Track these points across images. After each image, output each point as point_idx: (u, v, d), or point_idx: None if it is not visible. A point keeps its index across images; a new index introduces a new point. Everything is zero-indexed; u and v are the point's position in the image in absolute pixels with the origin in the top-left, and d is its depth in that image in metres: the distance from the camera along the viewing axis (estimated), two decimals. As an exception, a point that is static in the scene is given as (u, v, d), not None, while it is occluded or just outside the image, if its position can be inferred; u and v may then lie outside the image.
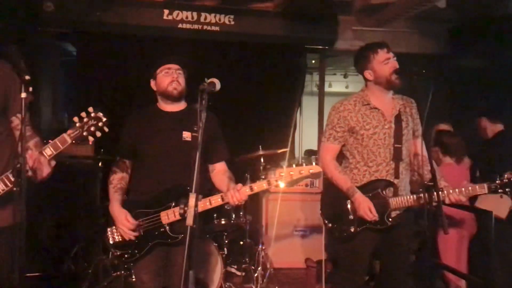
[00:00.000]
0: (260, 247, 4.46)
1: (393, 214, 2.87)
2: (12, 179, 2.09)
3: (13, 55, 1.97)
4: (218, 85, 2.22)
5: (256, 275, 4.32)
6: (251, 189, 2.49)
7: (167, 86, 2.69)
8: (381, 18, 4.66)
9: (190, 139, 2.64)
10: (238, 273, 4.43)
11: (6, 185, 2.12)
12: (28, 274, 1.97)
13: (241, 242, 4.55)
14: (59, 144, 2.12)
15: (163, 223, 2.58)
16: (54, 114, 5.31)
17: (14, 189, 1.95)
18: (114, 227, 2.68)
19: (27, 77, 1.95)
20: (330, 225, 3.00)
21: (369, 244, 2.94)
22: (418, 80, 2.74)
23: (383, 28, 4.94)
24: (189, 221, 1.91)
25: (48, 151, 2.12)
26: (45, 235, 4.63)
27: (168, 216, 2.57)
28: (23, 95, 1.95)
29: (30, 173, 2.10)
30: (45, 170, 2.13)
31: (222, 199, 2.52)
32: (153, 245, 2.61)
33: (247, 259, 4.48)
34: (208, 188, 2.83)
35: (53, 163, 2.17)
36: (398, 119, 2.92)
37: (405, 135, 2.93)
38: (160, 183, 2.62)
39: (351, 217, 2.89)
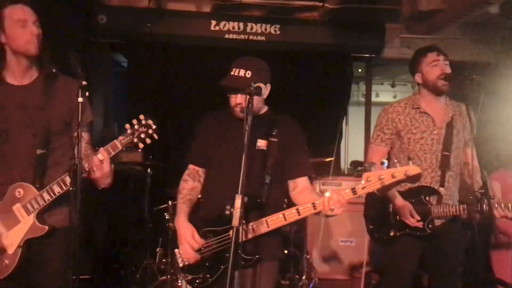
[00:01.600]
0: (304, 256, 4.42)
1: (437, 222, 2.81)
2: (68, 182, 2.18)
3: (71, 62, 2.09)
4: (264, 90, 2.24)
5: (300, 284, 4.29)
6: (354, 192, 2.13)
7: (233, 109, 2.41)
8: (431, 25, 4.56)
9: (264, 148, 2.39)
10: (283, 282, 4.41)
11: (61, 187, 2.21)
12: (80, 277, 2.04)
13: (286, 251, 4.53)
14: (110, 150, 2.18)
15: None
16: (106, 124, 5.51)
17: (71, 189, 2.04)
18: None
19: (83, 83, 2.05)
20: (371, 226, 3.01)
21: (411, 251, 2.88)
22: (468, 87, 2.68)
23: (433, 35, 4.83)
24: (235, 221, 1.92)
25: (100, 156, 2.19)
26: (95, 239, 4.79)
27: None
28: (80, 99, 2.06)
29: (85, 175, 2.17)
30: (103, 168, 2.16)
31: (314, 207, 2.18)
32: (226, 268, 2.13)
33: (291, 268, 4.45)
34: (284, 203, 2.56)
35: (112, 166, 2.20)
36: (449, 126, 2.87)
37: (455, 143, 2.86)
38: (229, 196, 2.18)
39: (392, 221, 2.86)
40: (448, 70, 2.84)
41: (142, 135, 2.17)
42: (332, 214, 2.13)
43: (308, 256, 4.48)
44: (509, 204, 2.68)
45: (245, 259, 2.23)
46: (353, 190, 2.11)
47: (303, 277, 4.31)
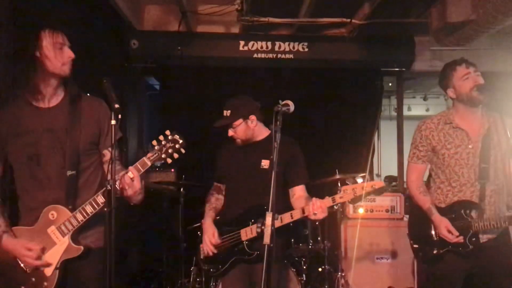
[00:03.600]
0: (339, 274, 4.36)
1: (482, 239, 2.73)
2: (100, 201, 2.22)
3: (105, 86, 2.15)
4: (292, 107, 2.27)
5: (336, 302, 4.23)
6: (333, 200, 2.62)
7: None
8: (461, 36, 4.48)
9: (267, 167, 2.92)
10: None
11: (94, 207, 2.24)
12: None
13: (320, 269, 4.48)
14: (140, 167, 2.23)
15: (242, 240, 2.87)
16: (140, 146, 5.63)
17: (105, 210, 2.09)
18: None
19: (116, 106, 2.10)
20: (415, 246, 2.96)
21: (456, 270, 2.80)
22: (502, 98, 2.63)
23: (463, 47, 4.76)
24: (266, 240, 1.93)
25: (130, 174, 2.23)
26: (130, 259, 4.86)
27: (247, 233, 2.85)
28: (113, 122, 2.11)
29: (118, 193, 2.22)
30: (134, 185, 2.22)
31: (303, 211, 2.66)
32: (234, 262, 2.90)
33: (326, 286, 4.39)
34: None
35: (142, 182, 2.27)
36: (486, 138, 2.81)
37: (494, 155, 2.80)
38: (242, 205, 2.94)
39: (435, 238, 2.81)
40: (481, 80, 2.80)
41: (170, 150, 2.22)
42: (316, 219, 2.67)
43: (343, 274, 4.41)
44: None
45: (248, 254, 2.84)
46: (333, 199, 2.61)
47: (339, 295, 4.25)
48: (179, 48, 5.19)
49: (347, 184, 2.61)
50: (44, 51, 2.23)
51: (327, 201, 2.61)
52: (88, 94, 2.44)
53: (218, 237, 2.94)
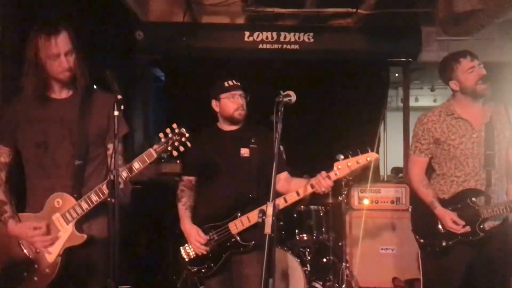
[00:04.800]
0: (344, 265, 4.38)
1: (488, 225, 2.73)
2: (105, 191, 2.23)
3: (107, 77, 2.17)
4: (293, 97, 2.26)
5: (341, 293, 4.26)
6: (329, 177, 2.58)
7: (233, 112, 2.89)
8: (468, 26, 4.43)
9: (248, 155, 2.86)
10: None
11: (99, 196, 2.27)
12: (120, 287, 2.09)
13: (324, 259, 4.50)
14: (146, 158, 2.26)
15: (233, 233, 2.74)
16: (146, 138, 5.66)
17: (109, 199, 2.09)
18: (186, 245, 2.85)
19: (119, 96, 2.11)
20: (422, 240, 2.94)
21: (463, 260, 2.81)
22: (508, 88, 2.61)
23: (471, 36, 4.72)
24: (267, 229, 1.94)
25: (136, 165, 2.26)
26: (136, 249, 4.90)
27: (236, 226, 2.73)
28: (116, 113, 2.13)
29: (122, 185, 2.28)
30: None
31: (312, 186, 2.60)
32: (228, 256, 2.77)
33: (331, 277, 4.41)
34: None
35: (130, 186, 2.42)
36: (489, 126, 2.81)
37: (498, 143, 2.80)
38: (223, 196, 2.81)
39: (443, 231, 2.80)
40: (484, 72, 2.79)
41: (176, 143, 2.25)
42: (323, 192, 2.61)
43: (348, 265, 4.43)
44: None
45: (244, 246, 2.73)
46: (328, 177, 2.56)
47: (343, 286, 4.27)
48: (184, 39, 5.19)
49: (338, 160, 2.58)
50: (41, 58, 2.24)
51: (327, 178, 2.58)
52: (99, 88, 2.47)
53: (204, 234, 2.79)
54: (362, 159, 2.53)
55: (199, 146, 2.87)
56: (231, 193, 2.78)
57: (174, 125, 2.27)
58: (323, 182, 2.56)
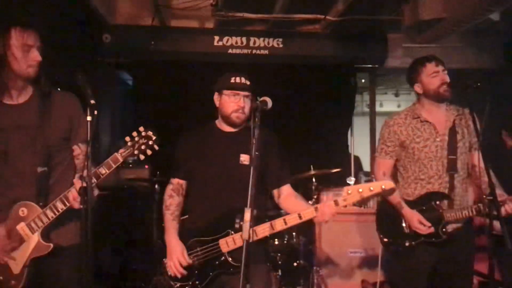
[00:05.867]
0: (314, 268, 4.41)
1: (450, 227, 2.81)
2: (70, 198, 2.18)
3: (80, 81, 2.10)
4: (269, 103, 2.26)
5: (311, 296, 4.27)
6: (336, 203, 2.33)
7: (231, 113, 2.57)
8: (432, 34, 4.58)
9: (247, 163, 2.50)
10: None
11: (64, 204, 2.20)
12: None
13: (295, 264, 4.52)
14: (111, 163, 2.20)
15: (223, 252, 2.41)
16: (113, 142, 5.55)
17: (81, 206, 2.04)
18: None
19: (92, 102, 2.06)
20: (386, 240, 2.99)
21: (426, 260, 2.87)
22: (473, 93, 2.69)
23: (435, 44, 4.86)
24: (245, 235, 1.93)
25: (102, 170, 2.20)
26: (104, 256, 4.79)
27: (228, 244, 2.40)
28: (89, 118, 2.06)
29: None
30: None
31: (300, 217, 2.36)
32: (215, 276, 2.45)
33: (301, 281, 4.43)
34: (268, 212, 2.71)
35: (96, 192, 2.27)
36: (452, 131, 2.89)
37: (461, 147, 2.89)
38: (215, 208, 2.47)
39: (407, 231, 2.86)
40: (447, 79, 2.87)
41: (143, 147, 2.20)
42: (324, 221, 2.37)
43: (317, 268, 4.45)
44: None
45: (234, 266, 2.38)
46: (335, 202, 2.31)
47: (314, 289, 4.29)
48: (152, 42, 5.14)
49: (348, 184, 2.40)
50: (11, 50, 2.18)
51: (332, 205, 2.32)
52: (59, 89, 2.39)
53: (188, 256, 2.47)
54: (376, 187, 2.27)
55: (194, 145, 2.60)
56: (225, 206, 2.41)
57: (141, 128, 2.21)
58: (327, 210, 2.32)
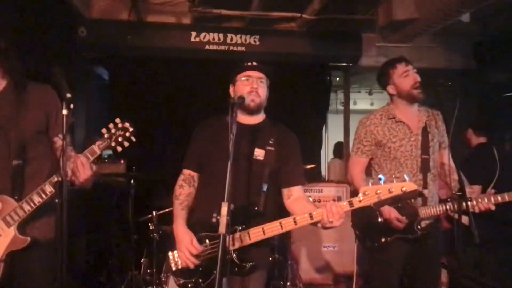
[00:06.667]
0: (289, 262, 4.47)
1: (423, 223, 2.90)
2: (47, 191, 2.17)
3: (56, 74, 2.08)
4: (247, 100, 2.29)
5: (285, 290, 4.33)
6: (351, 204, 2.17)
7: (246, 95, 2.43)
8: (405, 34, 4.68)
9: (262, 158, 2.41)
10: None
11: (41, 197, 2.18)
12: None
13: (270, 258, 4.56)
14: (89, 155, 2.20)
15: (229, 250, 2.27)
16: (88, 137, 5.49)
17: (57, 201, 2.01)
18: (176, 251, 2.43)
19: (68, 95, 2.03)
20: (361, 235, 3.07)
21: (401, 255, 2.96)
22: (444, 93, 2.77)
23: (407, 43, 4.98)
24: (222, 229, 1.96)
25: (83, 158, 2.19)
26: (79, 251, 4.76)
27: (234, 241, 2.28)
28: (64, 111, 2.04)
29: (70, 173, 2.17)
30: (86, 172, 2.18)
31: (311, 217, 2.22)
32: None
33: (276, 275, 4.48)
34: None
35: (94, 167, 2.23)
36: (424, 131, 2.99)
37: (432, 147, 2.99)
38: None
39: (382, 227, 2.93)
40: (418, 78, 2.95)
41: (120, 139, 2.20)
42: (331, 226, 2.18)
43: (292, 263, 4.52)
44: (492, 198, 2.79)
45: (239, 266, 2.28)
46: (350, 203, 2.16)
47: (288, 284, 4.35)
48: (128, 37, 5.10)
49: (368, 185, 2.17)
50: None
51: (344, 206, 2.17)
52: (34, 82, 2.37)
53: (198, 244, 2.34)
54: (396, 188, 2.13)
55: (209, 137, 2.48)
56: (234, 202, 2.17)
57: (117, 120, 2.21)
58: (335, 210, 2.14)
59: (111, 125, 2.20)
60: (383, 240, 2.93)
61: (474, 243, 2.49)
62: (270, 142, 2.41)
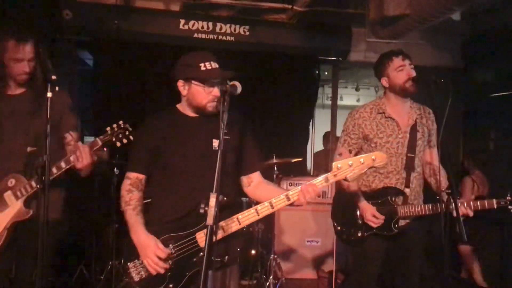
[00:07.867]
0: (272, 256, 4.45)
1: (402, 222, 2.90)
2: (53, 172, 2.42)
3: (41, 55, 2.29)
4: (239, 89, 2.19)
5: (268, 284, 4.31)
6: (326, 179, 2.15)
7: (206, 104, 2.30)
8: (396, 30, 4.67)
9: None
10: (250, 282, 4.42)
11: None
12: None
13: (253, 251, 4.54)
14: (91, 146, 2.51)
15: (201, 247, 2.16)
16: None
17: (38, 186, 2.28)
18: (136, 260, 2.25)
19: (53, 77, 2.20)
20: (339, 228, 3.07)
21: (379, 250, 2.97)
22: (435, 89, 2.75)
23: (397, 40, 4.96)
24: (209, 220, 1.91)
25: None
26: (60, 238, 4.65)
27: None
28: (49, 94, 2.22)
29: (72, 159, 2.46)
30: (85, 159, 2.44)
31: (288, 198, 2.17)
32: (193, 275, 2.19)
33: (259, 268, 4.47)
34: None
35: (95, 157, 2.51)
36: (413, 129, 2.97)
37: (419, 146, 2.97)
38: (188, 199, 2.22)
39: (360, 222, 2.94)
40: (414, 73, 2.91)
41: (120, 136, 2.51)
42: (302, 203, 2.20)
43: (275, 256, 4.50)
44: (471, 203, 2.76)
45: (214, 262, 2.06)
46: (326, 179, 2.17)
47: (270, 277, 4.34)
48: (115, 22, 4.99)
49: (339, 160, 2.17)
50: (5, 59, 2.52)
51: (319, 182, 2.17)
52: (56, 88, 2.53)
53: (164, 247, 2.20)
54: (366, 158, 2.15)
55: (156, 135, 2.35)
56: (197, 196, 2.11)
57: (121, 122, 2.52)
58: (311, 189, 2.15)
59: (115, 125, 2.51)
60: (359, 234, 2.94)
61: (462, 241, 2.49)
62: (225, 130, 2.12)
